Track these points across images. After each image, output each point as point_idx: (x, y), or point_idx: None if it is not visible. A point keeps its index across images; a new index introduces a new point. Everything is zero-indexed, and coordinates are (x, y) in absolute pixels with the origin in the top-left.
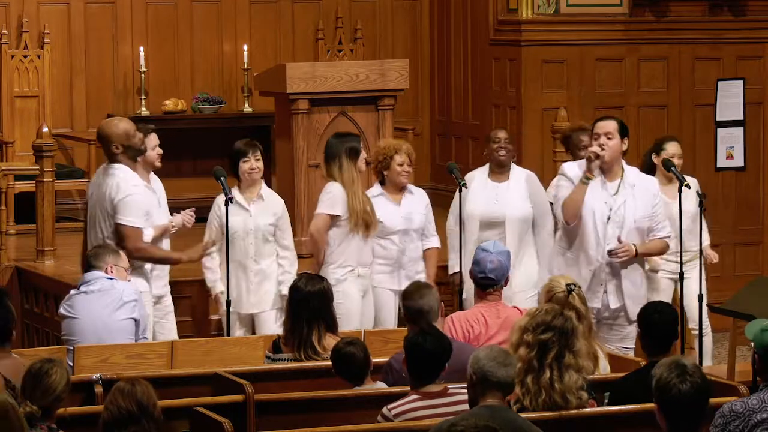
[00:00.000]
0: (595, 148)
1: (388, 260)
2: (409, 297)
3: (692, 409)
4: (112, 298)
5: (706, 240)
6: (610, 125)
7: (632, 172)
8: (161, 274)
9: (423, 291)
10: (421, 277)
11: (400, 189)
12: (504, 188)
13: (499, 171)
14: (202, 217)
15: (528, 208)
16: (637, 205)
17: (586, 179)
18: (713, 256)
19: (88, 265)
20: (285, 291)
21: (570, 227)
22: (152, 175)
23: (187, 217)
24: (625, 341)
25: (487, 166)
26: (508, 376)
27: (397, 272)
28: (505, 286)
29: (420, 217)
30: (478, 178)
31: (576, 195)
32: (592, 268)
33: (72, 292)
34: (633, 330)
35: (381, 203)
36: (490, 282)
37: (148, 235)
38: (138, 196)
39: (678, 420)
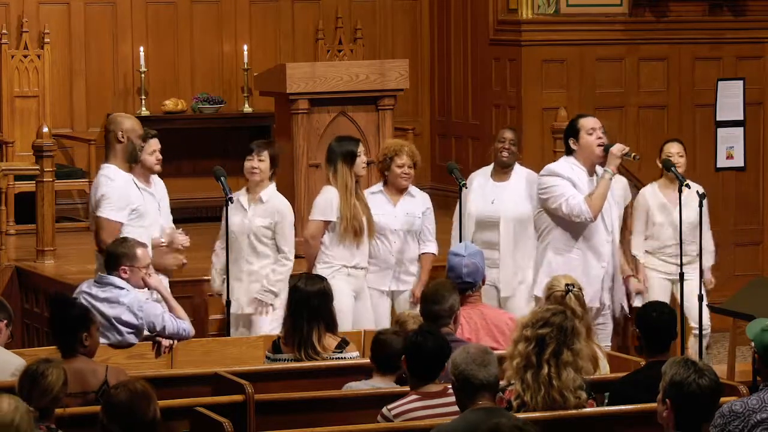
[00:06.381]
0: (622, 146)
1: (377, 260)
2: (427, 300)
3: (708, 404)
4: (116, 312)
5: (710, 260)
6: (599, 121)
7: (601, 171)
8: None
9: (441, 294)
10: (412, 280)
11: (401, 190)
12: (503, 188)
13: (502, 171)
14: (205, 217)
15: (526, 208)
16: (616, 203)
17: (612, 175)
18: (710, 281)
19: (106, 265)
20: (260, 296)
21: (574, 225)
22: (155, 178)
23: (180, 238)
24: (607, 339)
25: (491, 166)
26: (490, 375)
27: (386, 273)
28: (483, 285)
29: (416, 220)
30: (478, 179)
31: (603, 190)
32: (604, 265)
33: (83, 287)
34: (611, 327)
35: (378, 201)
36: (468, 286)
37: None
38: (119, 191)
39: (691, 415)
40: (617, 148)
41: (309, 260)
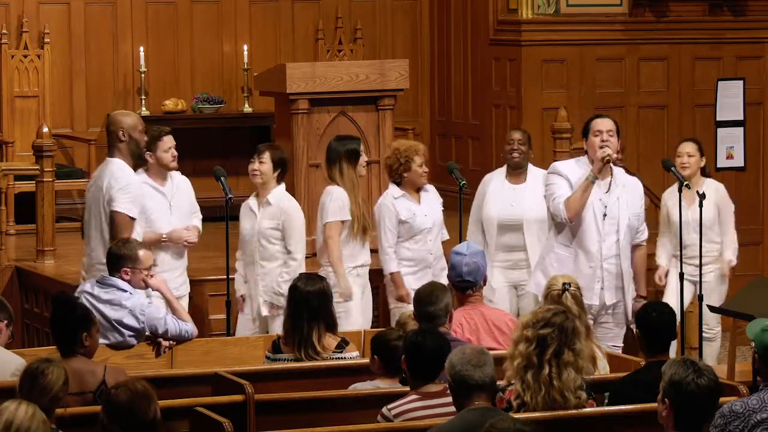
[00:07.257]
0: (608, 150)
1: (415, 261)
2: (421, 301)
3: (707, 404)
4: (118, 315)
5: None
6: (611, 123)
7: (619, 172)
8: (172, 276)
9: (435, 295)
10: (445, 274)
11: (417, 189)
12: (521, 190)
13: (516, 172)
14: (205, 217)
15: (545, 209)
16: (628, 204)
17: (594, 178)
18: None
19: (108, 266)
20: (270, 298)
21: (569, 224)
22: (175, 175)
23: (184, 234)
24: (616, 339)
25: (504, 168)
26: (486, 376)
27: (425, 272)
28: (484, 285)
29: (438, 213)
30: (495, 181)
31: (584, 193)
32: (593, 265)
33: (86, 287)
34: (624, 328)
35: (405, 205)
36: (468, 284)
37: (138, 234)
38: (135, 187)
39: (690, 415)
40: (600, 153)
41: (334, 256)
